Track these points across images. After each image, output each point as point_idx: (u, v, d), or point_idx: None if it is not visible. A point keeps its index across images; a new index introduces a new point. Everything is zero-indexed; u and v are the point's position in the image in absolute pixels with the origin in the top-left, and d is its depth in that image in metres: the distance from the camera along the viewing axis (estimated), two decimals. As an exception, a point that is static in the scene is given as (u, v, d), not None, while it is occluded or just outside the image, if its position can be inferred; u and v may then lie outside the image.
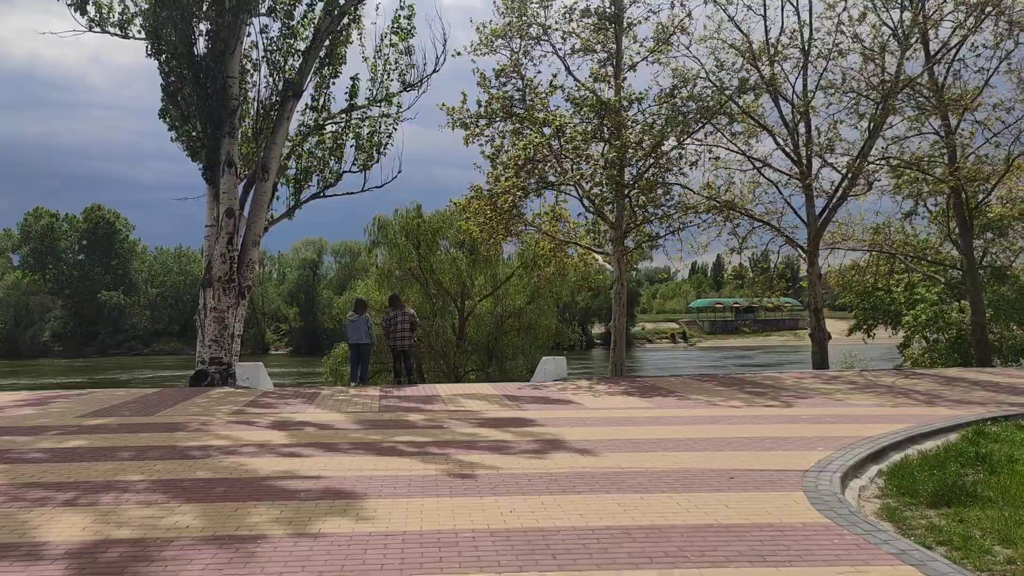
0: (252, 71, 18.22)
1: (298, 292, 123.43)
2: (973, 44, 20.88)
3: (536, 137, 18.83)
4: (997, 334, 35.06)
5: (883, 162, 20.92)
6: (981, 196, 23.04)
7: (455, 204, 22.51)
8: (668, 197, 19.06)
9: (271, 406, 12.86)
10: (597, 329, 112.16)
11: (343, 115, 19.28)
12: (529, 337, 40.81)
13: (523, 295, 40.87)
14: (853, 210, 26.05)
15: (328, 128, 19.28)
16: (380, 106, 19.48)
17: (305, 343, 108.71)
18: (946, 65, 21.66)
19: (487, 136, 20.80)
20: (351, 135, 19.24)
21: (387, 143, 19.23)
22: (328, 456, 8.51)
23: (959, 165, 21.99)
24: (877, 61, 20.46)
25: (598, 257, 23.34)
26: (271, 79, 17.95)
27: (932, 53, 21.66)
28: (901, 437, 9.55)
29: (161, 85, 16.89)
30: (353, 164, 19.27)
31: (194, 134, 17.30)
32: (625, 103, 18.83)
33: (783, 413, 11.71)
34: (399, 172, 20.02)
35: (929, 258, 27.58)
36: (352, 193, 19.89)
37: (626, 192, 19.01)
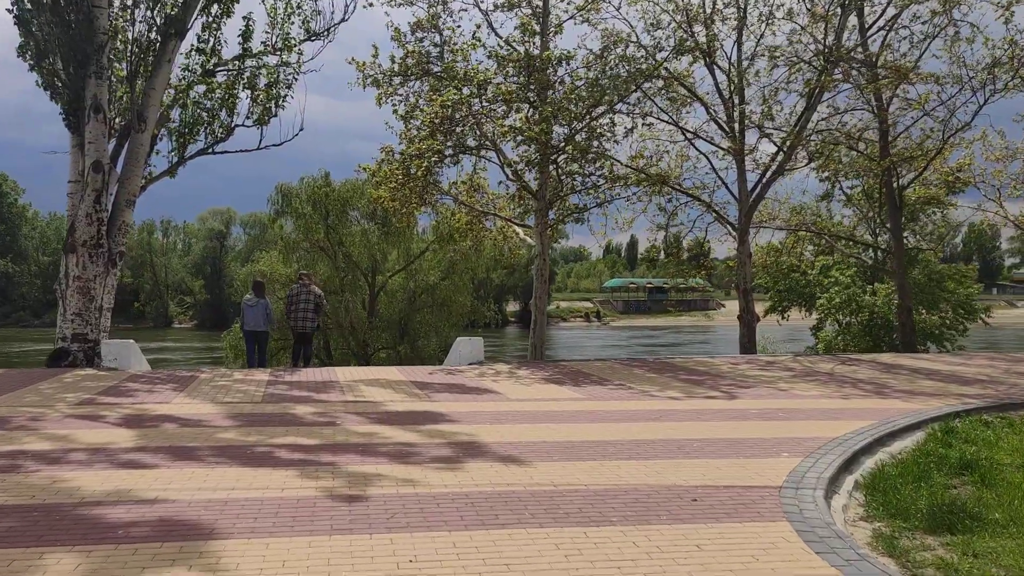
0: (128, 3, 15.71)
1: (204, 264, 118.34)
2: (908, 16, 20.05)
3: (454, 94, 17.00)
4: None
5: (816, 136, 19.95)
6: (913, 176, 22.44)
7: (364, 170, 20.47)
8: (599, 166, 17.54)
9: (131, 394, 10.75)
10: (512, 307, 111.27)
11: (236, 62, 16.97)
12: (443, 314, 39.06)
13: (437, 271, 39.04)
14: (780, 190, 25.29)
15: (219, 76, 16.93)
16: (280, 55, 17.25)
17: (211, 317, 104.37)
18: (880, 37, 20.83)
19: (401, 95, 18.86)
20: (245, 85, 16.94)
21: (286, 95, 17.04)
22: (180, 467, 6.61)
23: (891, 143, 21.30)
24: (816, 30, 19.42)
25: (519, 230, 21.75)
26: (150, 14, 15.47)
27: (866, 25, 20.79)
28: (869, 439, 8.28)
29: (8, 10, 14.26)
30: (247, 118, 17.01)
31: (54, 73, 14.75)
32: (554, 60, 17.17)
33: (729, 407, 10.37)
34: (301, 130, 17.89)
35: (856, 239, 27.09)
36: (247, 151, 17.68)
37: (553, 157, 17.41)
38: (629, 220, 22.80)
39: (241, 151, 17.63)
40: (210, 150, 16.98)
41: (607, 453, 7.38)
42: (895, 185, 22.14)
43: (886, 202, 22.85)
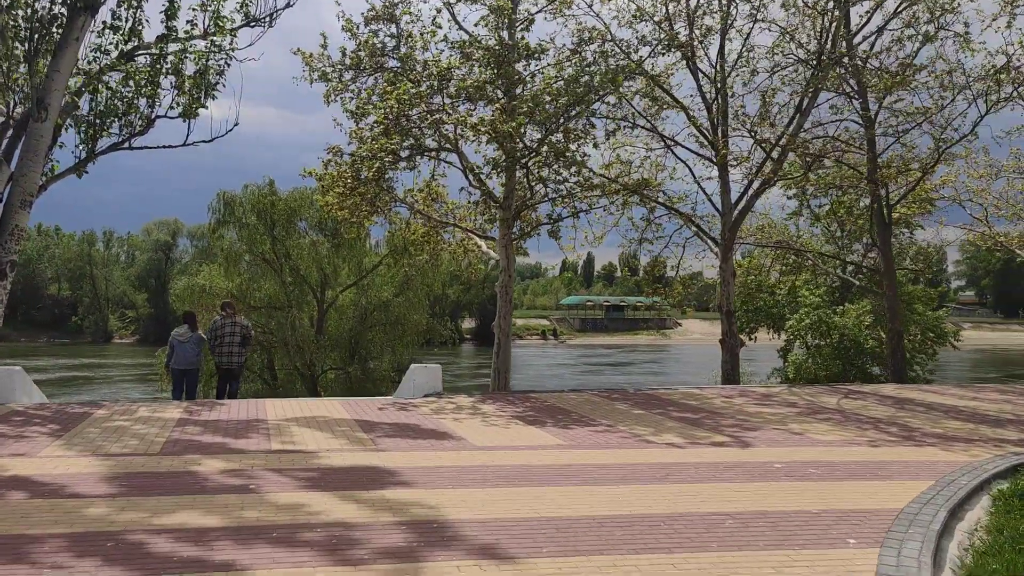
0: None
1: (148, 276, 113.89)
2: (895, 23, 18.61)
3: (411, 87, 14.98)
4: (879, 340, 34.28)
5: (813, 141, 18.31)
6: (905, 191, 21.02)
7: (310, 174, 18.19)
8: (574, 171, 15.60)
9: (-5, 441, 8.44)
10: (468, 323, 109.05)
11: (159, 44, 14.67)
12: (397, 333, 36.76)
13: (391, 286, 36.76)
14: (758, 205, 23.75)
15: (139, 59, 14.61)
16: (210, 39, 15.01)
17: (155, 331, 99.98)
18: (868, 44, 19.38)
19: (352, 92, 16.78)
20: (168, 71, 14.66)
21: (217, 83, 14.78)
22: (-3, 577, 4.44)
23: (882, 160, 19.85)
24: (808, 27, 17.87)
25: (480, 243, 19.72)
26: (55, -17, 13.13)
27: (852, 30, 19.35)
28: (943, 512, 6.44)
29: None
30: (172, 108, 14.72)
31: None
32: (523, 50, 15.25)
33: (746, 458, 8.46)
34: (235, 124, 15.50)
35: (843, 259, 25.68)
36: (171, 147, 15.25)
37: (524, 160, 15.44)
38: (600, 235, 20.97)
39: (165, 147, 15.29)
40: (126, 144, 14.64)
41: (617, 542, 5.38)
42: (884, 201, 20.69)
43: (872, 219, 21.39)
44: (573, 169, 15.47)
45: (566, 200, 16.30)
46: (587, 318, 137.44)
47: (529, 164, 15.99)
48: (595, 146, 15.64)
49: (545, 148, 15.08)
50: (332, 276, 36.73)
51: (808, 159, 17.75)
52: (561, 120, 15.01)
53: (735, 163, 17.96)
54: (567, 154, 15.35)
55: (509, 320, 17.39)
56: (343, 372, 35.63)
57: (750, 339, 37.25)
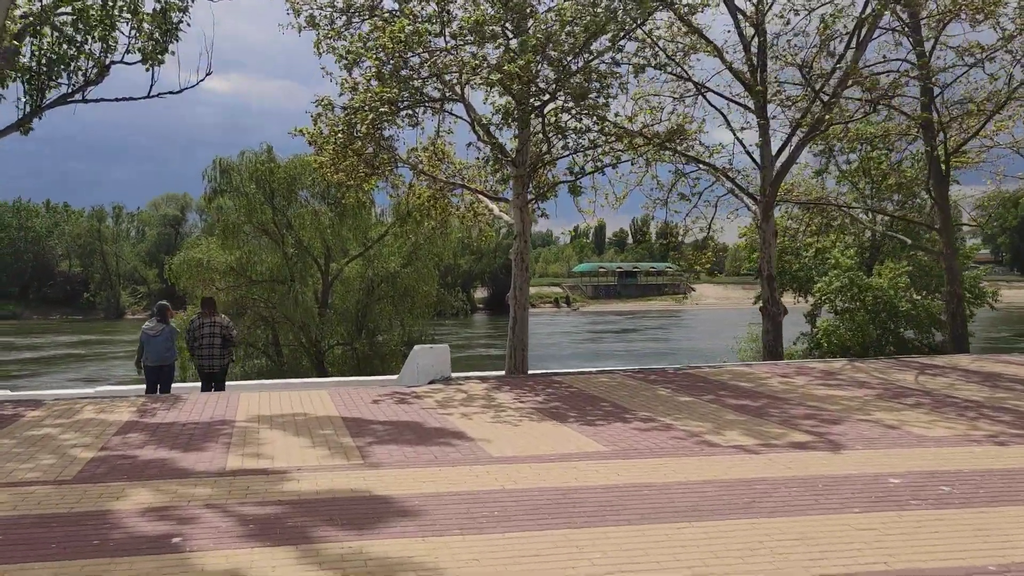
0: None
1: (158, 252, 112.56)
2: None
3: (406, 23, 12.85)
4: (914, 304, 32.14)
5: (873, 80, 15.98)
6: (966, 138, 18.71)
7: (301, 133, 16.01)
8: (598, 119, 13.41)
9: None
10: (480, 293, 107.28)
11: (115, -22, 12.59)
12: (405, 305, 34.81)
13: (399, 256, 34.71)
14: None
15: (90, -4, 12.53)
16: (178, -28, 12.90)
17: (174, 305, 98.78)
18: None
19: (346, 40, 14.62)
20: (125, 7, 12.58)
21: (180, 20, 12.69)
22: None
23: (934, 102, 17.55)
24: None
25: (492, 206, 17.61)
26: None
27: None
28: None
29: None
30: (129, 51, 12.67)
31: None
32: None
33: (847, 469, 6.45)
34: (208, 73, 13.53)
35: (909, 219, 23.39)
36: (133, 99, 13.29)
37: (538, 105, 13.28)
38: (622, 195, 18.83)
39: (126, 99, 13.30)
40: (80, 97, 12.64)
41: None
42: (942, 151, 18.43)
43: (929, 170, 19.13)
44: (596, 116, 13.28)
45: (588, 153, 14.13)
46: (600, 285, 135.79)
47: (545, 111, 13.84)
48: (622, 87, 13.46)
49: (562, 92, 12.88)
50: (336, 247, 34.79)
51: (874, 94, 15.46)
52: (580, 57, 12.81)
53: (788, 103, 15.72)
54: (589, 97, 13.16)
55: (526, 291, 15.37)
56: (350, 347, 33.81)
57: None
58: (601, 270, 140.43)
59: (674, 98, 17.91)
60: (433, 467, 6.46)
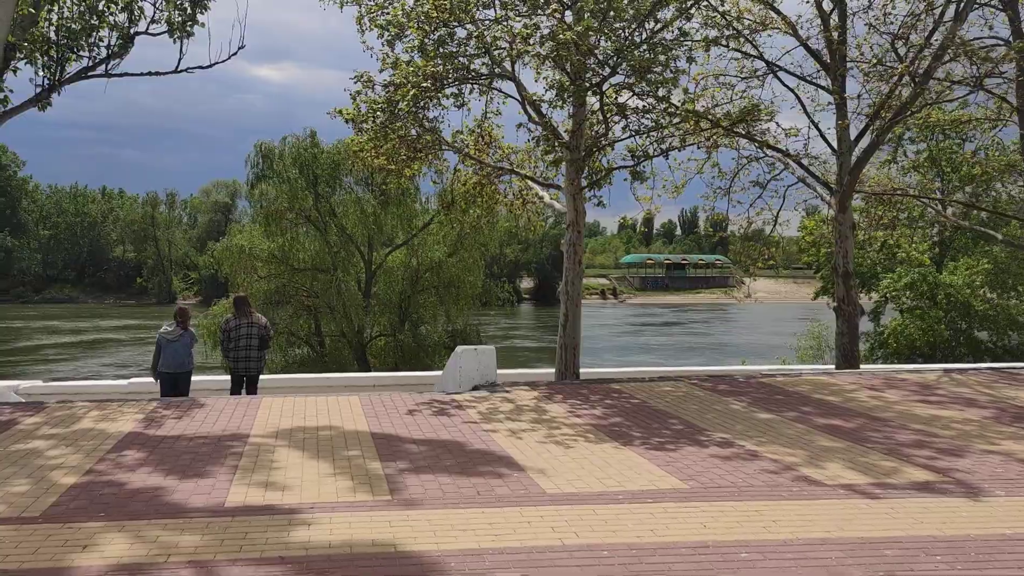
0: None
1: (208, 238, 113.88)
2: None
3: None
4: (990, 303, 30.12)
5: (982, 53, 14.30)
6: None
7: (340, 113, 14.88)
8: (665, 92, 12.03)
9: None
10: (525, 283, 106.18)
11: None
12: (450, 295, 33.77)
13: (444, 246, 33.66)
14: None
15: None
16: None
17: (216, 291, 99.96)
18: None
19: (388, 15, 13.47)
20: (150, -26, 11.63)
21: (212, -12, 11.70)
22: None
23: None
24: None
25: (543, 193, 16.34)
26: None
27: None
28: None
29: None
30: (154, 22, 11.73)
31: None
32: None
33: (1002, 526, 5.11)
34: (241, 47, 12.54)
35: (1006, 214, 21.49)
36: (160, 73, 12.38)
37: (596, 81, 11.95)
38: (681, 183, 17.41)
39: (151, 73, 12.38)
40: (105, 72, 11.74)
41: None
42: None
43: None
44: (662, 92, 11.90)
45: (652, 135, 12.75)
46: (648, 276, 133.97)
47: (603, 88, 12.51)
48: (690, 60, 12.07)
49: (625, 64, 11.51)
50: (380, 235, 33.90)
51: (982, 69, 13.79)
52: (643, 28, 11.46)
53: (880, 70, 14.12)
54: (654, 71, 11.78)
55: (579, 286, 14.08)
56: (393, 339, 32.90)
57: (833, 300, 33.33)
58: (649, 261, 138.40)
59: (742, 78, 16.44)
60: (475, 507, 5.28)
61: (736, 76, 16.52)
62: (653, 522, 5.05)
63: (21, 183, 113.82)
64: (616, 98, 12.62)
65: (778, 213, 18.50)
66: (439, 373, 15.10)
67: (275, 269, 31.55)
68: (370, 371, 30.64)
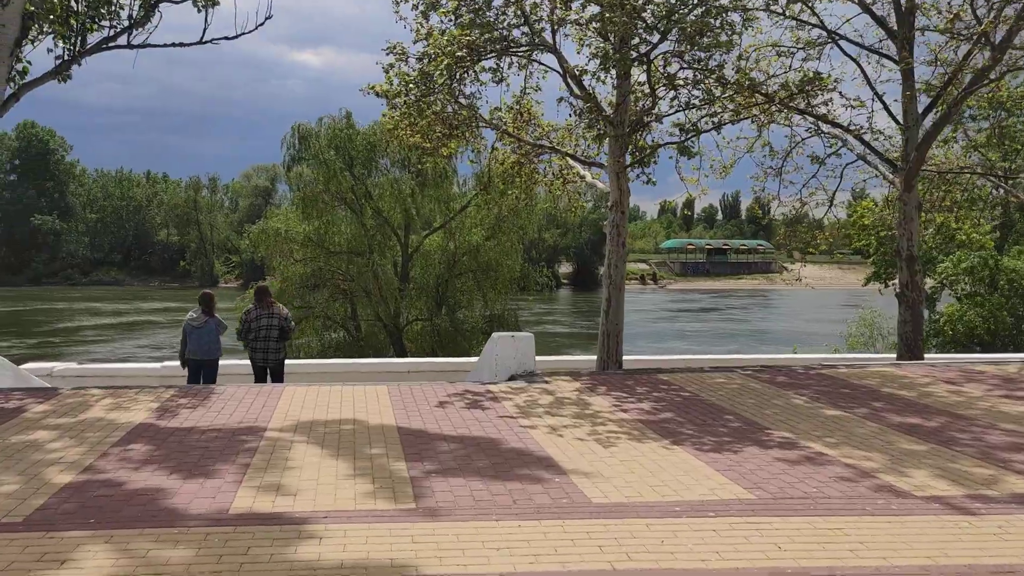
0: None
1: (248, 222, 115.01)
2: None
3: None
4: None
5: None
6: None
7: (372, 90, 14.15)
8: (718, 64, 11.14)
9: None
10: (564, 268, 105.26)
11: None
12: (488, 280, 33.12)
13: (481, 229, 32.99)
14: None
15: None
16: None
17: (256, 275, 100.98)
18: None
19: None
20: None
21: (234, -47, 11.12)
22: None
23: None
24: None
25: (584, 173, 15.54)
26: None
27: None
28: None
29: None
30: (178, -10, 11.17)
31: None
32: None
33: None
34: (268, 17, 11.97)
35: None
36: (185, 44, 11.85)
37: (644, 52, 11.12)
38: (730, 163, 16.46)
39: (175, 44, 11.87)
40: (127, 43, 11.23)
41: None
42: None
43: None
44: (716, 58, 11.01)
45: (703, 108, 11.85)
46: (688, 262, 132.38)
47: (652, 57, 11.66)
48: (748, 21, 11.17)
49: (676, 28, 10.64)
50: (417, 218, 33.36)
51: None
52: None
53: (960, 28, 13.02)
54: (704, 37, 10.88)
55: (622, 269, 13.28)
56: (429, 324, 32.39)
57: (886, 286, 32.13)
58: (690, 247, 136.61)
59: (799, 48, 15.43)
60: (510, 520, 4.61)
61: (792, 46, 15.53)
62: (717, 541, 4.33)
63: (69, 167, 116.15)
64: (665, 68, 11.79)
65: (834, 194, 17.49)
66: (474, 359, 14.50)
67: (311, 252, 31.24)
68: (406, 356, 30.22)
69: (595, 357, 12.97)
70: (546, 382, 9.29)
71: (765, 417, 7.51)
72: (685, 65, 11.39)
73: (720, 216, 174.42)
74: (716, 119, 12.11)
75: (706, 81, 11.41)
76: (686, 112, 11.85)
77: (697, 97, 11.70)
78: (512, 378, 9.51)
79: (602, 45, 11.54)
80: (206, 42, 11.72)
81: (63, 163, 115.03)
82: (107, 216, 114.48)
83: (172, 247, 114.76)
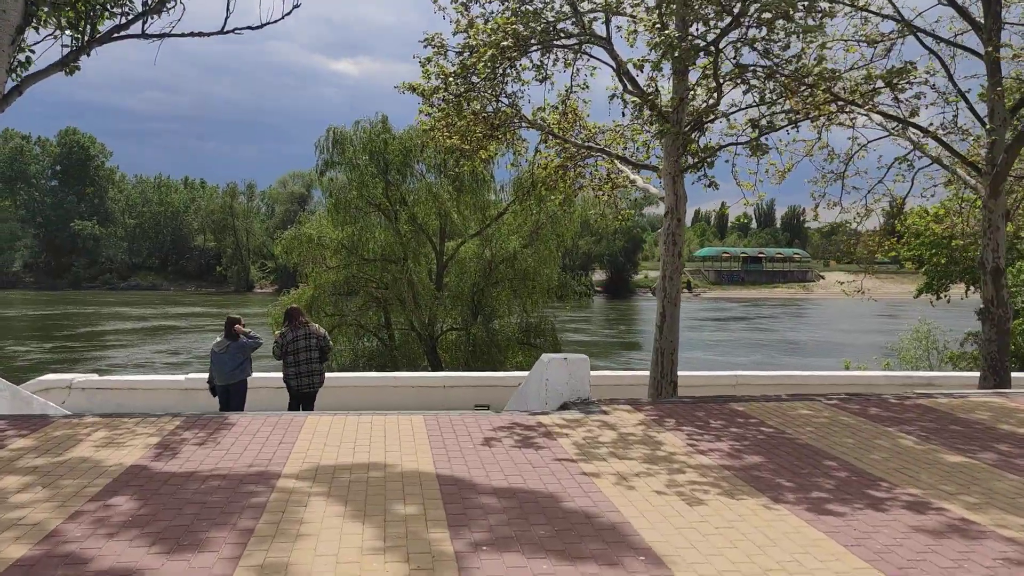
0: None
1: (284, 228, 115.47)
2: None
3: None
4: None
5: None
6: None
7: (410, 88, 13.01)
8: (796, 55, 9.89)
9: None
10: (597, 276, 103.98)
11: None
12: (525, 289, 31.94)
13: (519, 236, 31.83)
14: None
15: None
16: None
17: (291, 281, 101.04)
18: None
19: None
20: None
21: (257, -68, 10.14)
22: None
23: None
24: None
25: (635, 177, 14.29)
26: None
27: None
28: None
29: None
30: (196, -25, 10.23)
31: None
32: None
33: None
34: (296, 6, 10.99)
35: None
36: (203, 34, 10.88)
37: (706, 44, 9.90)
38: (787, 167, 15.13)
39: (193, 34, 10.92)
40: (141, 32, 10.30)
41: None
42: None
43: None
44: (794, 49, 9.74)
45: (781, 100, 10.56)
46: (723, 270, 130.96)
47: (717, 47, 10.42)
48: (831, 11, 9.91)
49: (754, 8, 9.37)
50: (453, 225, 32.33)
51: None
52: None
53: None
54: (776, 25, 9.61)
55: (678, 281, 12.03)
56: (465, 333, 31.33)
57: (938, 298, 30.36)
58: (724, 255, 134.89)
59: (872, 42, 14.09)
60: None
61: (861, 39, 14.21)
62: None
63: (108, 173, 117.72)
64: (736, 58, 10.53)
65: (903, 200, 16.14)
66: (514, 374, 13.35)
67: (344, 259, 30.41)
68: (440, 366, 29.17)
69: (642, 372, 11.79)
70: (604, 412, 8.09)
71: (874, 464, 6.24)
72: (761, 54, 10.13)
73: (754, 224, 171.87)
74: (792, 116, 10.83)
75: (783, 73, 10.14)
76: (758, 107, 10.59)
77: (774, 91, 10.43)
78: (564, 406, 8.32)
79: (667, 33, 10.33)
80: (228, 31, 10.75)
81: (103, 169, 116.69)
82: (145, 221, 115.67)
83: (209, 252, 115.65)
